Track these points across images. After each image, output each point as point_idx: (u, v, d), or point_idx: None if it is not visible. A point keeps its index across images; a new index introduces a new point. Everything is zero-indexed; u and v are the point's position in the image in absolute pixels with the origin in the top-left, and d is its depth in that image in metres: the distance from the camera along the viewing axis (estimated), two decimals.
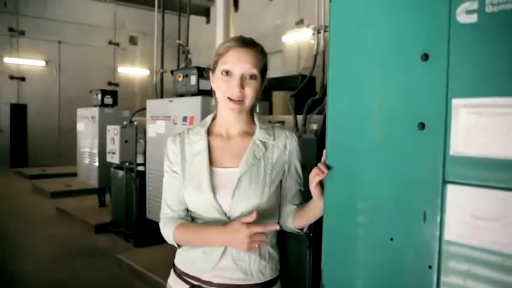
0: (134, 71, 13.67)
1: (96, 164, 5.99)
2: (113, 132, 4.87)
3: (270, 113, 5.45)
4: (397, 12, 0.92)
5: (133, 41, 13.71)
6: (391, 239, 0.93)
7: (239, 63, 1.26)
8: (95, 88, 6.39)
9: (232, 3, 7.29)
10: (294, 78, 7.72)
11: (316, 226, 2.39)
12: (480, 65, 0.80)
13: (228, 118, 1.34)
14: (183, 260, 1.37)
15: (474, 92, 0.80)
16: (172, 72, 3.99)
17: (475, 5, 0.79)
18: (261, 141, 1.32)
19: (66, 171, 9.77)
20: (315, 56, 2.87)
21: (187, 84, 3.69)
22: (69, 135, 10.96)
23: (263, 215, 1.27)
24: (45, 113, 12.00)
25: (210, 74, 1.36)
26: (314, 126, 2.53)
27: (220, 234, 1.23)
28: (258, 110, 1.39)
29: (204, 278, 1.29)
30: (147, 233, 4.78)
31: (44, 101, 12.07)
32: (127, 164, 4.94)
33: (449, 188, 0.84)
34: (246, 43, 1.29)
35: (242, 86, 1.25)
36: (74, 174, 8.38)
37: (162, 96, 4.94)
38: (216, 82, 1.32)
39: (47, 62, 12.23)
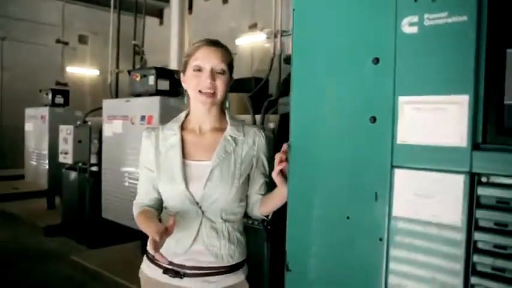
0: (84, 71, 13.26)
1: (46, 165, 5.82)
2: (66, 132, 4.79)
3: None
4: (353, 22, 1.07)
5: (82, 40, 13.31)
6: (348, 217, 1.07)
7: (209, 59, 1.38)
8: (42, 87, 6.20)
9: (187, 6, 7.35)
10: (248, 81, 7.89)
11: (274, 220, 2.54)
12: (420, 69, 0.95)
13: (201, 114, 1.45)
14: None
15: (415, 91, 0.96)
16: (129, 72, 4.00)
17: (415, 19, 0.95)
18: (231, 136, 1.43)
19: (10, 173, 9.33)
20: (272, 59, 3.02)
21: (145, 84, 3.72)
22: (13, 135, 10.48)
23: (232, 205, 1.41)
24: None
25: (181, 75, 1.46)
26: (271, 125, 2.68)
27: (147, 228, 1.29)
28: (228, 105, 1.50)
29: (177, 261, 1.39)
30: (101, 234, 4.74)
31: None
32: (80, 164, 4.87)
33: (396, 171, 0.99)
34: (213, 42, 1.43)
35: (213, 78, 1.37)
36: (19, 177, 8.07)
37: (117, 96, 4.91)
38: (188, 80, 1.42)
39: None
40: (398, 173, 0.99)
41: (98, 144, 4.90)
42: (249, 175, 1.47)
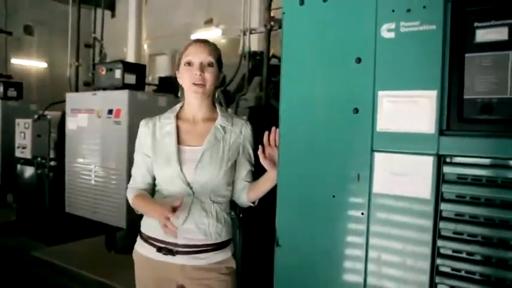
0: (30, 63, 12.67)
1: None
2: (24, 126, 4.66)
3: None
4: (339, 26, 1.23)
5: (28, 30, 12.70)
6: (333, 196, 1.24)
7: (197, 54, 1.55)
8: None
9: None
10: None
11: (245, 210, 2.68)
12: (396, 68, 1.13)
13: (194, 105, 1.60)
14: (149, 225, 1.59)
15: (392, 86, 1.14)
16: (94, 65, 3.98)
17: (393, 26, 1.13)
18: (221, 125, 1.60)
19: None
20: (241, 56, 3.15)
21: (111, 78, 3.74)
22: None
23: (220, 188, 1.57)
24: None
25: (176, 72, 1.62)
26: (244, 118, 2.81)
27: (153, 210, 1.51)
28: (217, 96, 1.65)
29: (170, 240, 1.53)
30: (62, 229, 4.66)
31: None
32: (39, 159, 4.75)
33: (376, 155, 1.17)
34: (202, 40, 1.61)
35: (202, 70, 1.53)
36: None
37: (77, 90, 4.83)
38: (181, 74, 1.58)
39: None
40: (378, 156, 1.17)
41: (56, 139, 4.81)
42: (236, 161, 1.63)
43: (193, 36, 11.10)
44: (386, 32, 1.14)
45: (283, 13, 1.34)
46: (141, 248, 1.62)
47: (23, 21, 12.42)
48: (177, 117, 1.62)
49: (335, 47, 1.24)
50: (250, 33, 3.04)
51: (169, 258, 1.55)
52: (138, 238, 1.65)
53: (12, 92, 5.72)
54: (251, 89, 3.48)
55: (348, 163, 1.22)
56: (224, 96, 3.11)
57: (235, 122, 1.64)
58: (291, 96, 1.33)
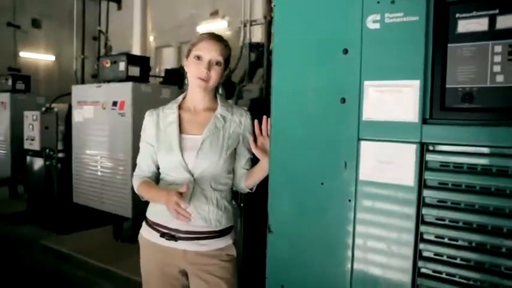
0: (38, 57, 12.79)
1: (7, 152, 5.72)
2: (32, 118, 4.75)
3: None
4: (326, 18, 1.26)
5: (36, 23, 12.80)
6: (322, 183, 1.28)
7: (208, 51, 1.60)
8: None
9: None
10: None
11: (246, 199, 2.73)
12: (381, 58, 1.16)
13: (196, 96, 1.67)
14: (154, 211, 1.66)
15: (378, 76, 1.17)
16: (99, 58, 4.04)
17: (378, 17, 1.16)
18: (221, 115, 1.66)
19: None
20: (241, 48, 3.18)
21: (115, 70, 3.79)
22: None
23: (220, 175, 1.62)
24: None
25: (185, 59, 1.67)
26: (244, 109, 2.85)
27: (160, 196, 1.56)
28: (220, 91, 1.69)
29: (172, 226, 1.59)
30: (70, 219, 4.77)
31: None
32: (47, 150, 4.85)
33: (362, 143, 1.20)
34: (215, 37, 1.64)
35: (209, 68, 1.59)
36: None
37: (83, 82, 4.90)
38: (189, 66, 1.64)
39: None
40: (364, 145, 1.20)
41: (64, 131, 4.90)
42: (236, 150, 1.68)
43: (199, 28, 11.12)
44: (372, 23, 1.17)
45: (274, 5, 1.37)
46: (146, 232, 1.69)
47: (30, 14, 12.53)
48: (180, 107, 1.69)
49: (323, 38, 1.27)
50: (251, 24, 3.06)
51: (172, 244, 1.61)
52: (144, 223, 1.72)
53: (20, 85, 5.81)
54: (255, 80, 3.52)
55: (336, 151, 1.25)
56: (228, 86, 3.15)
57: (235, 111, 1.69)
58: (282, 87, 1.37)
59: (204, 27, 10.97)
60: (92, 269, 3.84)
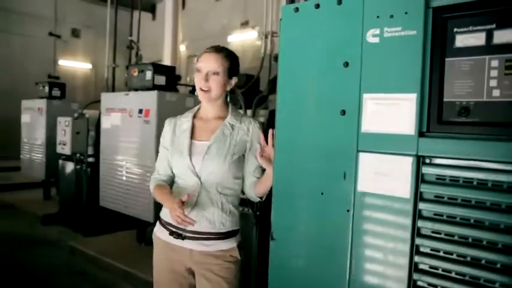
0: (76, 65, 13.32)
1: (43, 156, 5.98)
2: (64, 123, 4.95)
3: None
4: (328, 32, 1.29)
5: (75, 33, 13.36)
6: (322, 193, 1.30)
7: (205, 62, 1.70)
8: (34, 80, 6.36)
9: (181, 1, 7.52)
10: (240, 77, 8.08)
11: (262, 207, 2.76)
12: (380, 71, 1.18)
13: (204, 105, 1.79)
14: (165, 211, 1.78)
15: (376, 89, 1.19)
16: (127, 67, 4.19)
17: (377, 31, 1.18)
18: (229, 123, 1.74)
19: (3, 165, 9.39)
20: (262, 58, 3.23)
21: (142, 79, 3.92)
22: (4, 128, 10.51)
23: (226, 180, 1.70)
24: None
25: None
26: (261, 119, 2.90)
27: (165, 201, 1.71)
28: (228, 99, 1.77)
29: (179, 226, 1.68)
30: (98, 222, 4.93)
31: None
32: (78, 155, 5.04)
33: (361, 155, 1.22)
34: (215, 49, 1.72)
35: (206, 79, 1.68)
36: (12, 169, 8.18)
37: (114, 90, 5.08)
38: (194, 78, 1.74)
39: None
40: (362, 156, 1.22)
41: (94, 136, 5.09)
42: (244, 157, 1.74)
43: (230, 38, 11.30)
44: (372, 37, 1.20)
45: (280, 19, 1.42)
46: (159, 231, 1.80)
47: (70, 24, 13.08)
48: (195, 116, 1.81)
49: (325, 51, 1.30)
50: (272, 36, 3.11)
51: (179, 242, 1.71)
52: (157, 222, 1.83)
53: (56, 92, 6.08)
54: None
55: (335, 162, 1.27)
56: (255, 95, 3.18)
57: (244, 120, 1.77)
58: (286, 98, 1.40)
59: (234, 37, 11.14)
60: (116, 271, 3.95)
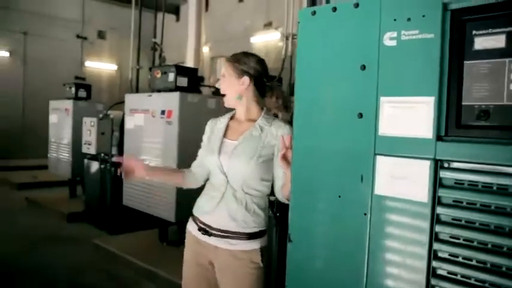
0: (101, 66, 13.61)
1: (69, 155, 6.14)
2: (90, 124, 5.08)
3: None
4: (345, 35, 1.29)
5: (101, 35, 13.66)
6: (339, 196, 1.30)
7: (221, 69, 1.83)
8: (61, 81, 6.54)
9: (204, 3, 7.58)
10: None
11: (283, 211, 2.76)
12: (397, 75, 1.18)
13: (236, 108, 1.91)
14: (196, 206, 1.89)
15: (393, 92, 1.18)
16: (150, 69, 4.26)
17: (395, 34, 1.17)
18: (259, 125, 1.80)
19: (31, 163, 9.72)
20: (283, 60, 3.24)
21: (165, 81, 3.98)
22: (35, 127, 10.86)
23: (252, 181, 1.77)
24: (7, 105, 11.50)
25: None
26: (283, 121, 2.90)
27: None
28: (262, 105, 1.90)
29: (206, 221, 1.81)
30: (121, 220, 5.03)
31: (7, 92, 11.61)
32: (102, 155, 5.16)
33: (378, 158, 1.21)
34: (229, 56, 1.88)
35: (219, 84, 1.87)
36: (40, 167, 8.43)
37: (137, 91, 5.18)
38: None
39: (11, 53, 11.97)
40: (380, 159, 1.21)
41: (118, 136, 5.20)
42: (273, 161, 1.79)
43: (253, 39, 11.34)
44: (389, 40, 1.19)
45: (298, 22, 1.42)
46: (190, 225, 1.90)
47: (96, 26, 13.39)
48: (232, 117, 1.93)
49: (342, 54, 1.30)
50: (293, 38, 3.11)
51: (206, 238, 1.80)
52: (190, 217, 1.93)
53: (82, 93, 6.24)
54: None
55: (353, 165, 1.27)
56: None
57: (275, 124, 1.81)
58: (303, 101, 1.41)
59: (257, 39, 11.17)
60: (138, 269, 4.03)
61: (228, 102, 1.85)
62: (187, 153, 3.82)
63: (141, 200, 4.25)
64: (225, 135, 1.85)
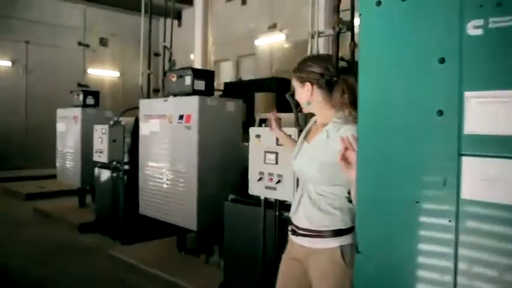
0: (104, 73, 13.53)
1: (78, 164, 6.02)
2: (101, 131, 4.96)
3: (251, 113, 5.68)
4: (418, 26, 1.18)
5: (103, 42, 13.58)
6: (417, 202, 1.19)
7: None
8: (64, 89, 6.45)
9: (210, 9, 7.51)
10: (270, 80, 8.00)
11: None
12: (485, 67, 1.07)
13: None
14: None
15: (481, 86, 1.07)
16: (165, 73, 4.15)
17: (481, 22, 1.07)
18: (327, 131, 1.81)
19: (36, 173, 9.57)
20: None
21: (181, 84, 3.87)
22: (38, 136, 10.75)
23: (322, 185, 1.80)
24: (10, 114, 11.38)
25: None
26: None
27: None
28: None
29: (294, 221, 1.91)
30: (135, 230, 4.90)
31: (10, 101, 11.49)
32: (114, 163, 5.03)
33: (464, 159, 1.10)
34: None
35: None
36: (46, 177, 8.32)
37: (149, 96, 5.07)
38: None
39: (13, 62, 11.88)
40: (466, 161, 1.10)
41: (130, 143, 5.09)
42: None
43: (257, 42, 11.26)
44: (473, 29, 1.08)
45: (360, 14, 1.31)
46: (289, 227, 1.96)
47: (98, 33, 13.31)
48: (316, 121, 1.97)
49: (415, 47, 1.19)
50: (319, 36, 3.01)
51: (294, 238, 1.91)
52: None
53: (90, 100, 6.13)
54: None
55: (432, 168, 1.16)
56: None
57: (344, 128, 1.75)
58: (369, 99, 1.30)
59: (261, 41, 11.08)
60: (156, 280, 3.90)
61: (304, 109, 1.95)
62: (207, 158, 3.71)
63: (159, 208, 4.12)
64: (306, 139, 1.94)
